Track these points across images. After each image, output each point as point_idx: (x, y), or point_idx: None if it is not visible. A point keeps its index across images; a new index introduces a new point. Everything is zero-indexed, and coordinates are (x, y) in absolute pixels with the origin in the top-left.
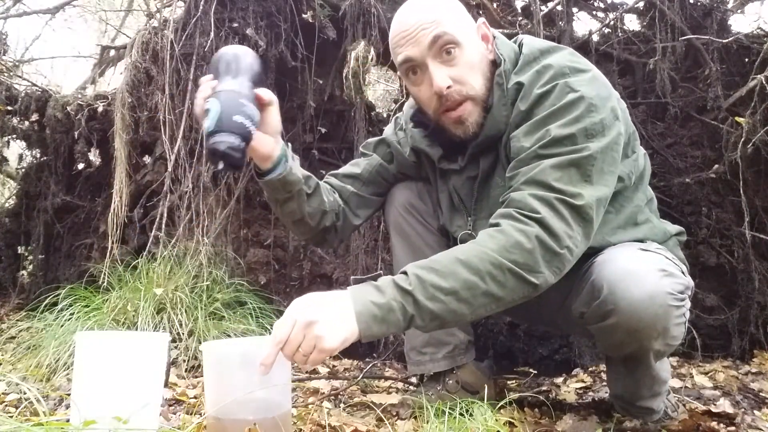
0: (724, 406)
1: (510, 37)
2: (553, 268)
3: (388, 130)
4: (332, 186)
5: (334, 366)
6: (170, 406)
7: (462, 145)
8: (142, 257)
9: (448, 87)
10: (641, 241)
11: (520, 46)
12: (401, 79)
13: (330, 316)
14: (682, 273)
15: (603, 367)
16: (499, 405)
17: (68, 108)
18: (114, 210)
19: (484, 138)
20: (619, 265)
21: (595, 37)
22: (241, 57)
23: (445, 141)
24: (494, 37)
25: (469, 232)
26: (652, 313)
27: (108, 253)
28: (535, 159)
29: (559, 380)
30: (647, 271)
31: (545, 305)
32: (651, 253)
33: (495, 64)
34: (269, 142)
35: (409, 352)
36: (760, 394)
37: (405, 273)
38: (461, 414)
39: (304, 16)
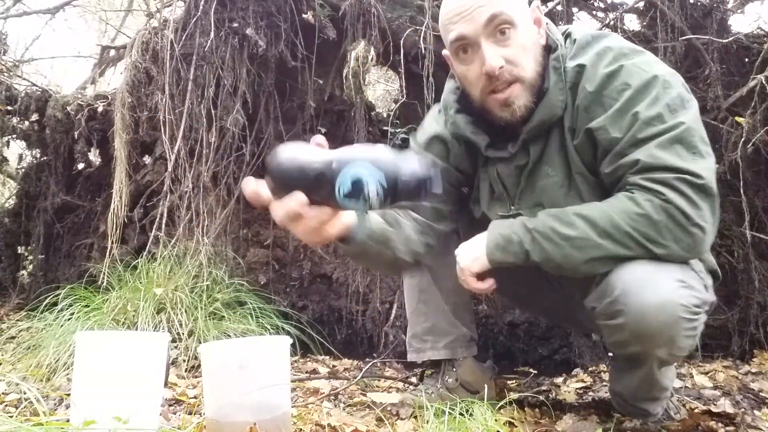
0: (724, 406)
1: None
2: (682, 245)
3: (438, 127)
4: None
5: (334, 366)
6: (170, 406)
7: (510, 132)
8: (142, 257)
9: (501, 67)
10: None
11: (569, 35)
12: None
13: (466, 247)
14: (705, 287)
15: (603, 367)
16: (499, 405)
17: (68, 108)
18: (114, 210)
19: (538, 123)
20: (638, 268)
21: None
22: (297, 150)
23: (492, 128)
24: (546, 23)
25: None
26: (661, 321)
27: (108, 253)
28: (634, 146)
29: (559, 380)
30: (664, 279)
31: (568, 299)
32: (673, 264)
33: (547, 48)
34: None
35: (411, 339)
36: (760, 394)
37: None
38: (461, 414)
39: (304, 16)
